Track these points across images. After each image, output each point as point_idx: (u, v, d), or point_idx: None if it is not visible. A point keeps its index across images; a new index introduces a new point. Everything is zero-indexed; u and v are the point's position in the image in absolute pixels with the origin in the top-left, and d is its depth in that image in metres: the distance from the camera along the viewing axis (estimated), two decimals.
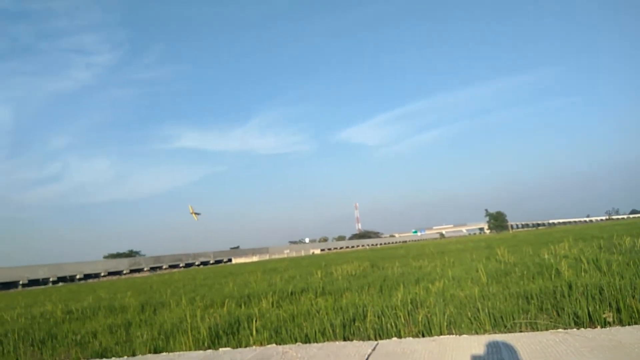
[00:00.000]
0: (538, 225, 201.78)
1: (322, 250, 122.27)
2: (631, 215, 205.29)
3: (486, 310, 6.12)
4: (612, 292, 6.14)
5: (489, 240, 44.94)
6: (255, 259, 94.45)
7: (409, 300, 7.74)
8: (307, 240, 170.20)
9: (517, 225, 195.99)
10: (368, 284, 11.50)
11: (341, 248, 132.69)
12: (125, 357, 6.42)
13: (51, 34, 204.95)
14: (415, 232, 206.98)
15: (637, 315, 5.10)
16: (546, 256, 13.43)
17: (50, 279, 58.57)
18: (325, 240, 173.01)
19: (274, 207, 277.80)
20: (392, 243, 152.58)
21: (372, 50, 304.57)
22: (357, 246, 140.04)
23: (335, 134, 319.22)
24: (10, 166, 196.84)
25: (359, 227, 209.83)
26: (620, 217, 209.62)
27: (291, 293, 11.24)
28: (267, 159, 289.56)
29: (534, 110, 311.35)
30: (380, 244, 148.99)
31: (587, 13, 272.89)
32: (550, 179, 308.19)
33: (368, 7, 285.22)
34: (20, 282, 54.55)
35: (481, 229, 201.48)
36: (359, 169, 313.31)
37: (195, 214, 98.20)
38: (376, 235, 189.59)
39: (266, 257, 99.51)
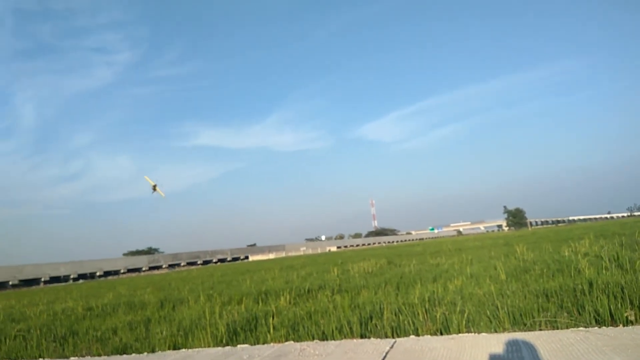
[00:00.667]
0: (558, 222, 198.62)
1: (338, 247, 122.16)
2: None
3: (505, 309, 6.05)
4: (635, 290, 6.03)
5: (507, 238, 44.39)
6: (271, 256, 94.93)
7: (426, 298, 7.70)
8: (323, 237, 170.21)
9: (536, 222, 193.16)
10: (385, 281, 11.46)
11: (357, 245, 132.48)
12: (145, 353, 6.51)
13: (73, 32, 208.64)
14: (432, 229, 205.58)
15: None
16: (566, 253, 13.23)
17: (71, 276, 59.64)
18: (342, 237, 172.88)
19: (291, 205, 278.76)
20: (409, 240, 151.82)
21: (387, 47, 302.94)
22: (374, 243, 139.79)
23: (352, 131, 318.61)
24: (34, 164, 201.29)
25: (375, 224, 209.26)
26: None
27: (308, 290, 11.27)
28: (285, 156, 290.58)
29: (553, 104, 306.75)
30: (397, 242, 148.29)
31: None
32: (570, 174, 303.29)
33: (384, 2, 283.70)
34: (42, 279, 55.70)
35: (499, 226, 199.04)
36: (375, 165, 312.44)
37: (154, 185, 75.75)
38: (392, 232, 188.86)
39: (282, 254, 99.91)
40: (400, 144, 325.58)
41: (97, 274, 63.65)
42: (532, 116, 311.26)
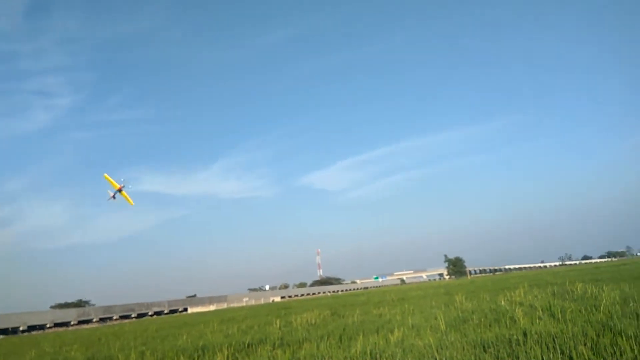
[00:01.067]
0: (495, 270, 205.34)
1: (282, 297, 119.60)
2: (583, 261, 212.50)
3: None
4: (565, 340, 6.23)
5: (448, 287, 45.26)
6: (212, 307, 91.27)
7: (368, 351, 7.60)
8: (267, 287, 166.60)
9: (475, 270, 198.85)
10: (328, 333, 11.25)
11: (302, 295, 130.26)
12: None
13: (15, 75, 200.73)
14: (377, 278, 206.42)
15: None
16: (502, 303, 13.60)
17: None
18: (286, 287, 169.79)
19: (234, 254, 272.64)
20: (354, 289, 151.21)
21: (332, 102, 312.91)
22: (319, 293, 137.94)
23: (298, 179, 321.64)
24: None
25: (320, 273, 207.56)
26: (573, 262, 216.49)
27: (248, 345, 10.84)
28: (230, 203, 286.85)
29: (491, 158, 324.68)
30: (342, 291, 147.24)
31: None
32: (506, 225, 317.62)
33: (336, 56, 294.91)
34: None
35: (441, 275, 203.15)
36: (321, 214, 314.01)
37: (120, 188, 57.83)
38: (338, 281, 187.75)
39: (224, 305, 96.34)
40: (346, 193, 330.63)
41: (20, 328, 58.38)
42: (471, 169, 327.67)
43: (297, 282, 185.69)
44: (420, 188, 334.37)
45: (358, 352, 7.60)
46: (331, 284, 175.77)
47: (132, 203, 60.55)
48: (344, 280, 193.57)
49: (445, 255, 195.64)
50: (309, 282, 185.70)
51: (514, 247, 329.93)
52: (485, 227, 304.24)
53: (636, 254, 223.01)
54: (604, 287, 13.58)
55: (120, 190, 58.31)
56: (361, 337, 9.74)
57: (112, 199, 58.83)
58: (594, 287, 15.44)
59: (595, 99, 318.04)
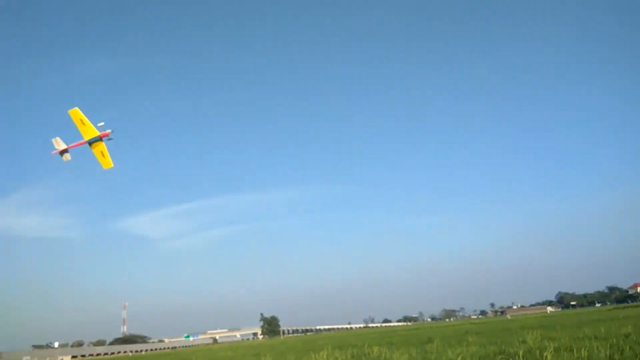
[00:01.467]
0: (307, 330, 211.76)
1: (73, 357, 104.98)
2: (384, 324, 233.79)
3: None
4: None
5: (260, 347, 44.92)
6: None
7: None
8: (56, 344, 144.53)
9: (288, 330, 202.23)
10: None
11: (98, 354, 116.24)
12: None
13: None
14: (188, 336, 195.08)
15: None
16: None
17: None
18: (81, 344, 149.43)
19: (20, 302, 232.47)
20: (161, 349, 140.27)
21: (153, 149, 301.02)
22: (119, 352, 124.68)
23: (114, 222, 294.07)
24: None
25: (124, 329, 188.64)
26: (375, 325, 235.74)
27: None
28: (25, 242, 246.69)
29: (311, 219, 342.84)
30: (147, 350, 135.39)
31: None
32: (319, 287, 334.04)
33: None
34: None
35: (255, 334, 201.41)
36: (134, 263, 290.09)
37: (102, 135, 33.58)
38: (143, 340, 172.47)
39: None
40: (167, 242, 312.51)
41: None
42: (290, 231, 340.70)
43: (95, 340, 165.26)
44: (243, 244, 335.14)
45: None
46: (135, 342, 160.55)
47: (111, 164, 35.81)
48: (150, 339, 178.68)
49: (262, 314, 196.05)
50: (109, 340, 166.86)
51: (324, 308, 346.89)
52: (301, 288, 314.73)
53: (426, 319, 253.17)
54: (395, 351, 14.82)
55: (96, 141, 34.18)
56: None
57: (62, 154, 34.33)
58: (387, 350, 16.78)
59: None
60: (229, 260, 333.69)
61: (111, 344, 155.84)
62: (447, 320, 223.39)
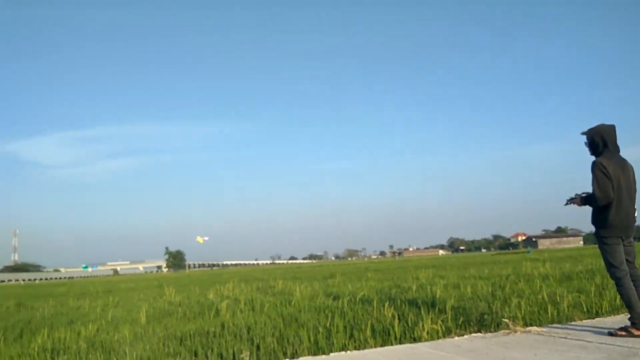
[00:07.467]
0: (213, 265, 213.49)
1: None
2: (290, 261, 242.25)
3: (134, 354, 5.70)
4: (257, 331, 6.64)
5: (163, 279, 44.55)
6: None
7: (49, 347, 6.65)
8: None
9: (194, 265, 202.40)
10: (5, 327, 9.49)
11: None
12: None
13: None
14: (86, 267, 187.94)
15: (273, 353, 5.58)
16: (211, 296, 13.93)
17: None
18: None
19: None
20: (56, 279, 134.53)
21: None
22: (10, 280, 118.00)
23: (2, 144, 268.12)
24: None
25: (15, 258, 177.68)
26: (281, 262, 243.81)
27: None
28: None
29: (219, 156, 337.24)
30: (40, 279, 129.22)
31: None
32: (229, 223, 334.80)
33: None
34: None
35: (159, 267, 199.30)
36: (28, 190, 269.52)
37: None
38: (36, 269, 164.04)
39: None
40: (60, 170, 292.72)
41: None
42: (200, 164, 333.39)
43: None
44: (149, 176, 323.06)
45: (37, 348, 6.60)
46: (27, 270, 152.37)
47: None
48: (44, 268, 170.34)
49: (167, 248, 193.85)
50: None
51: (232, 244, 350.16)
52: (208, 224, 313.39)
53: (331, 258, 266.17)
54: (300, 285, 15.36)
55: None
56: (46, 330, 8.50)
57: None
58: (292, 283, 17.35)
59: None
60: (132, 193, 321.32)
61: (0, 271, 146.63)
62: (350, 259, 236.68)
